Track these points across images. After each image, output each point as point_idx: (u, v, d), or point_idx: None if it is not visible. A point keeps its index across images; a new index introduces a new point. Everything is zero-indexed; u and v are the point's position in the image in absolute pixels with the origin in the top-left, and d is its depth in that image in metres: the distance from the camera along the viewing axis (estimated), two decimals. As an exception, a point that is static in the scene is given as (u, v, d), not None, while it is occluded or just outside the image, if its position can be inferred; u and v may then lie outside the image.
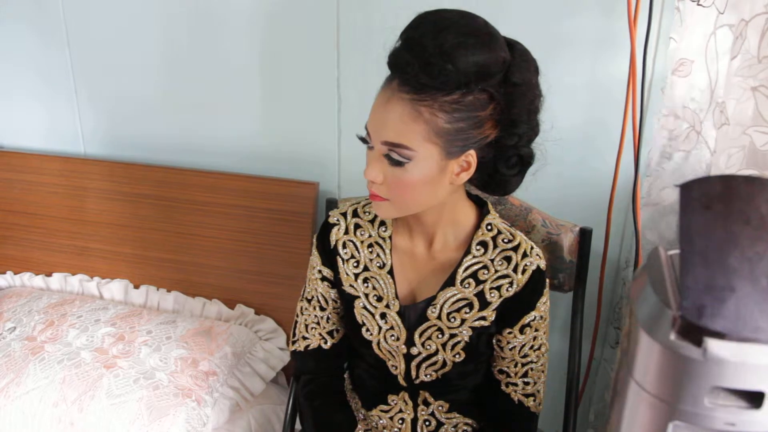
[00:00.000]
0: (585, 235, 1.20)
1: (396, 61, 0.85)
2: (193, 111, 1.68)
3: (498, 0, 1.34)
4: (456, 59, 0.80)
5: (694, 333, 0.52)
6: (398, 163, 0.87)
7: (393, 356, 1.04)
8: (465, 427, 1.10)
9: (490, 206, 1.02)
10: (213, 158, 1.70)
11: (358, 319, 1.05)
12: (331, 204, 1.32)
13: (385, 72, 0.90)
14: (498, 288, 0.98)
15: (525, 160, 0.93)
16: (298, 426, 1.26)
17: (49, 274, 1.85)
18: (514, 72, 0.85)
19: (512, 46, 0.88)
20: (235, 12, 1.55)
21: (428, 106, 0.83)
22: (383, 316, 1.03)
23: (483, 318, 0.99)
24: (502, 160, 0.91)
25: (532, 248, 0.99)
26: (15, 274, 1.87)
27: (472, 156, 0.88)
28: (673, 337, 0.53)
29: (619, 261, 1.47)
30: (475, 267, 0.99)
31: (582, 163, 1.42)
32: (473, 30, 0.83)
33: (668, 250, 0.62)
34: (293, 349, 1.15)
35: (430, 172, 0.87)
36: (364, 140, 0.91)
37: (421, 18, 0.85)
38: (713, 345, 0.51)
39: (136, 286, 1.77)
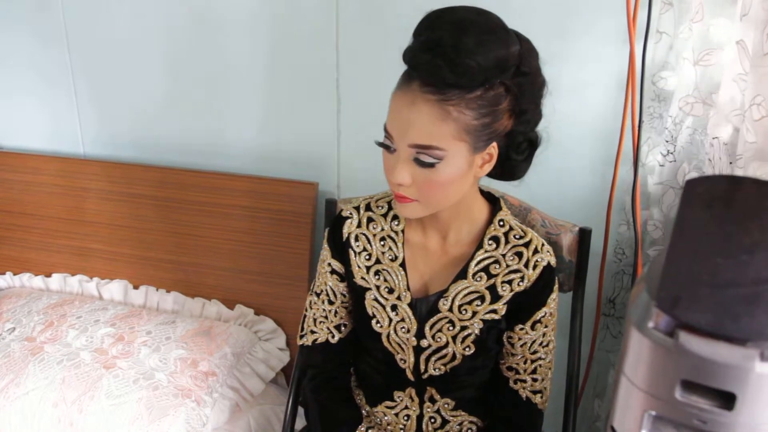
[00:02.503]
0: (584, 235, 1.20)
1: (418, 61, 0.85)
2: (192, 112, 1.68)
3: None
4: (479, 57, 0.82)
5: (675, 326, 0.52)
6: (429, 165, 0.87)
7: (402, 349, 1.04)
8: (470, 426, 1.10)
9: (502, 203, 1.04)
10: (212, 159, 1.70)
11: (369, 311, 1.05)
12: (331, 204, 1.31)
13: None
14: (509, 282, 1.00)
15: (533, 143, 0.95)
16: (297, 426, 1.26)
17: (48, 275, 1.84)
18: (523, 62, 0.88)
19: (518, 36, 0.90)
20: (235, 13, 1.55)
21: (455, 105, 0.85)
22: (394, 308, 1.03)
23: (494, 311, 1.00)
24: (513, 147, 0.94)
25: (543, 245, 1.01)
26: (14, 274, 1.87)
27: (494, 148, 0.91)
28: (650, 325, 0.53)
29: (618, 261, 1.47)
30: (487, 261, 1.00)
31: (581, 162, 1.41)
32: (491, 28, 0.85)
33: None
34: (301, 342, 1.15)
35: (460, 169, 0.89)
36: (385, 146, 0.91)
37: (435, 17, 0.86)
38: (685, 338, 0.51)
39: (136, 287, 1.77)
